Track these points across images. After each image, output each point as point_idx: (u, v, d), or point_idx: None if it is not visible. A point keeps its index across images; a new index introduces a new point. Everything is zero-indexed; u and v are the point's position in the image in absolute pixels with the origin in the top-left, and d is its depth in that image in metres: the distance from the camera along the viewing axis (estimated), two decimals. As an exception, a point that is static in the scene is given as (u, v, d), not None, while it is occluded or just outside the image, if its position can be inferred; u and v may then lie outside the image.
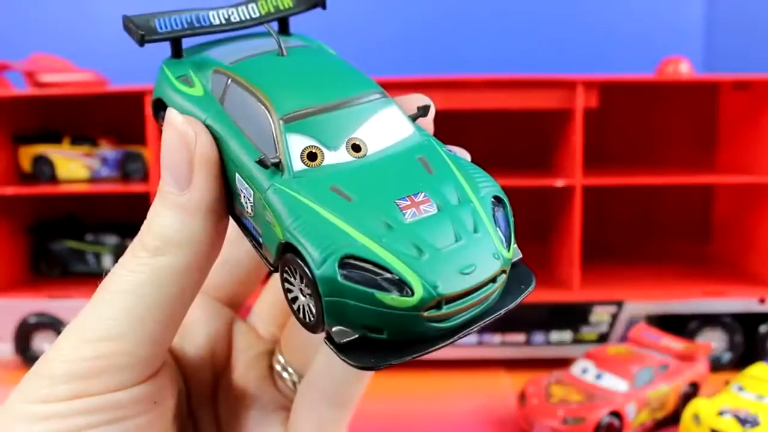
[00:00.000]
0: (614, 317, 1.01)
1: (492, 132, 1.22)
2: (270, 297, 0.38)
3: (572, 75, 0.97)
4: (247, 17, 0.31)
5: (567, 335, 1.02)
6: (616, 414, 0.78)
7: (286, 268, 0.25)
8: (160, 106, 0.31)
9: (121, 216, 1.20)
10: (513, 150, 1.22)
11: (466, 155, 0.30)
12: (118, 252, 1.15)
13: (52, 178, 1.13)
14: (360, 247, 0.23)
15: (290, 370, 0.35)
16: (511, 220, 0.27)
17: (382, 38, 1.33)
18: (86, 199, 1.22)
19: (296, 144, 0.25)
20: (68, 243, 1.17)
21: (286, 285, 0.25)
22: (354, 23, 1.33)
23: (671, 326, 0.99)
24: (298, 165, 0.25)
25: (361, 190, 0.25)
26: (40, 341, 1.05)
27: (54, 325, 1.04)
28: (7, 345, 1.05)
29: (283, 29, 0.33)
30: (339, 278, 0.23)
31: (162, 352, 0.28)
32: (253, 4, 0.31)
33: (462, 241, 0.24)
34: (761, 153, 1.05)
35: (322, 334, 0.25)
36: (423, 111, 0.30)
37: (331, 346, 0.24)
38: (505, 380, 0.99)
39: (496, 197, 0.27)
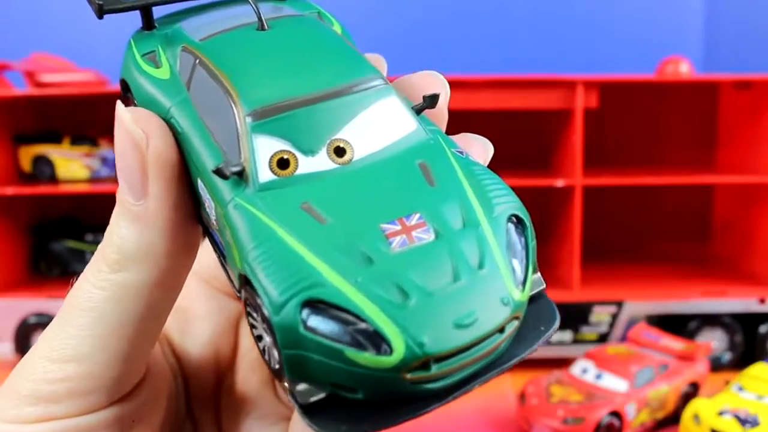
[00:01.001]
0: (614, 317, 1.01)
1: (492, 132, 1.22)
2: None
3: (572, 75, 0.97)
4: None
5: (567, 335, 1.02)
6: (616, 414, 0.78)
7: (248, 302, 0.20)
8: (127, 90, 0.26)
9: (121, 216, 1.21)
10: (513, 150, 1.22)
11: (487, 148, 0.25)
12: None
13: (52, 178, 1.13)
14: (329, 289, 0.18)
15: None
16: (532, 245, 0.21)
17: (382, 38, 1.32)
18: (86, 199, 1.22)
19: (265, 148, 0.20)
20: (68, 243, 1.17)
21: (250, 320, 0.20)
22: (354, 23, 1.32)
23: (671, 326, 0.99)
24: (265, 174, 0.20)
25: (340, 209, 0.20)
26: (40, 341, 1.05)
27: (54, 325, 1.04)
28: (7, 345, 1.05)
29: None
30: (300, 329, 0.18)
31: (136, 368, 0.26)
32: None
33: (462, 281, 0.19)
34: (761, 153, 1.05)
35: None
36: (430, 101, 0.24)
37: (295, 404, 0.19)
38: (505, 380, 0.99)
39: (514, 216, 0.21)
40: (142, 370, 0.27)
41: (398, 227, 0.19)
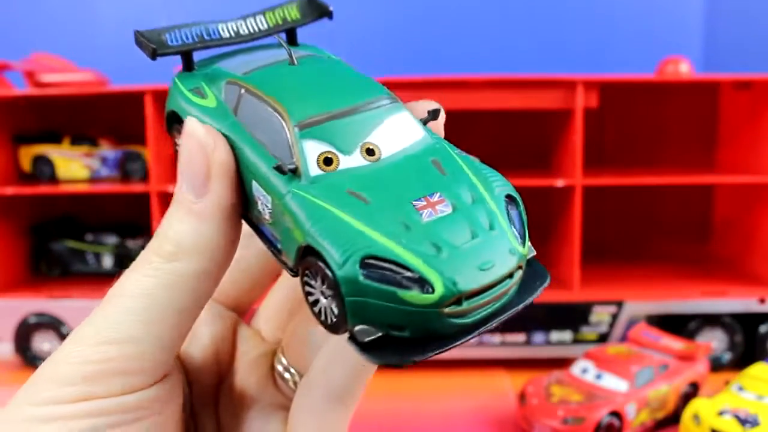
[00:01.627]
0: (614, 317, 1.01)
1: (492, 132, 1.22)
2: (275, 301, 0.38)
3: (572, 75, 0.97)
4: (256, 29, 0.32)
5: (567, 335, 1.02)
6: (616, 414, 0.78)
7: (307, 272, 0.25)
8: (173, 120, 0.32)
9: (120, 216, 1.21)
10: (513, 150, 1.22)
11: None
12: (118, 252, 1.15)
13: (52, 178, 1.13)
14: (380, 247, 0.23)
15: (292, 371, 0.35)
16: (525, 218, 0.27)
17: (382, 38, 1.33)
18: (86, 199, 1.22)
19: (312, 150, 0.26)
20: (68, 243, 1.17)
21: (307, 288, 0.25)
22: (354, 23, 1.32)
23: (671, 326, 0.99)
24: (314, 170, 0.26)
25: (378, 192, 0.25)
26: (40, 341, 1.05)
27: (54, 325, 1.04)
28: (7, 345, 1.05)
29: (291, 40, 0.34)
30: (360, 278, 0.23)
31: (171, 356, 0.28)
32: (261, 16, 0.32)
33: (479, 239, 0.25)
34: (761, 153, 1.05)
35: (344, 335, 0.25)
36: (433, 114, 0.30)
37: (354, 345, 0.24)
38: (505, 380, 0.99)
39: (509, 196, 0.27)
40: (173, 360, 0.29)
41: (425, 203, 0.25)
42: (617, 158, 1.22)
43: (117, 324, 0.27)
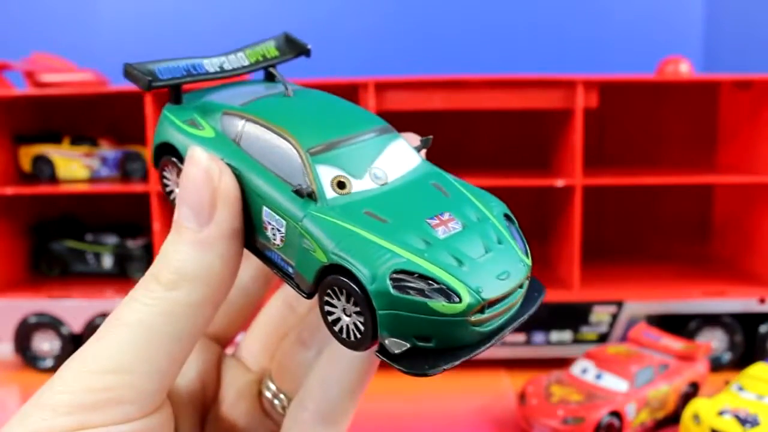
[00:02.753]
0: (614, 317, 1.01)
1: (492, 132, 1.22)
2: (260, 330, 0.38)
3: (572, 75, 0.97)
4: (239, 65, 0.33)
5: (567, 335, 1.02)
6: (616, 414, 0.78)
7: (329, 291, 0.26)
8: (163, 151, 0.32)
9: (121, 216, 1.21)
10: (513, 150, 1.22)
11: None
12: (118, 252, 1.15)
13: (52, 178, 1.13)
14: (406, 262, 0.25)
15: (281, 396, 0.35)
16: (521, 233, 0.29)
17: (382, 38, 1.33)
18: (86, 199, 1.22)
19: (325, 174, 0.27)
20: (68, 243, 1.17)
21: (327, 308, 0.26)
22: (355, 23, 1.32)
23: (671, 326, 0.99)
24: (330, 193, 0.27)
25: (393, 212, 0.27)
26: (40, 341, 1.05)
27: (54, 325, 1.04)
28: (7, 345, 1.05)
29: (269, 77, 0.35)
30: (392, 291, 0.24)
31: (167, 385, 0.28)
32: (242, 53, 0.34)
33: (492, 252, 0.27)
34: (761, 153, 1.05)
35: (364, 352, 0.26)
36: (425, 143, 0.32)
37: (385, 358, 0.26)
38: (505, 380, 0.99)
39: (506, 215, 0.29)
40: (168, 389, 0.29)
41: (438, 221, 0.27)
42: (617, 158, 1.22)
43: (116, 353, 0.26)
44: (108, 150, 1.14)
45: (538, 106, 0.99)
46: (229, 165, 0.28)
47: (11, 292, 1.08)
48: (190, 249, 0.27)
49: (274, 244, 0.28)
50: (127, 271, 1.15)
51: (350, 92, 1.01)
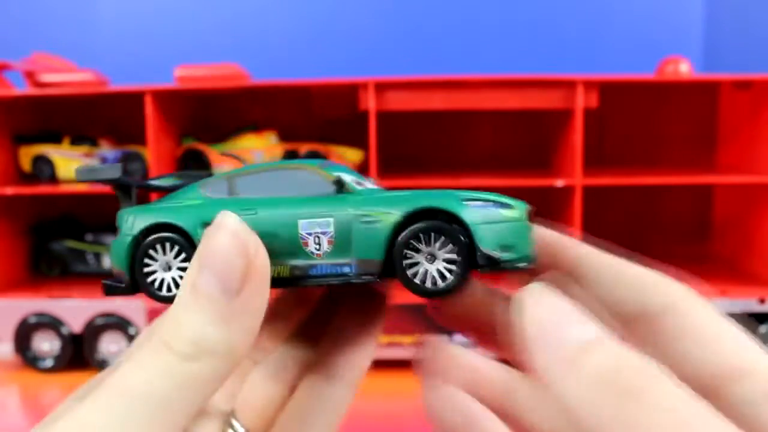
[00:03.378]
0: (614, 317, 1.01)
1: (492, 132, 1.22)
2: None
3: (572, 75, 0.97)
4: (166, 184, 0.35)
5: (567, 335, 1.02)
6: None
7: (412, 241, 0.29)
8: (144, 237, 0.31)
9: (121, 216, 1.21)
10: (513, 150, 1.22)
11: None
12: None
13: (52, 178, 1.13)
14: (468, 193, 0.29)
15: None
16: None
17: (382, 38, 1.33)
18: (86, 199, 1.22)
19: (346, 177, 0.31)
20: (68, 243, 1.17)
21: (408, 261, 0.29)
22: (355, 23, 1.32)
23: (671, 326, 0.99)
24: (355, 188, 0.31)
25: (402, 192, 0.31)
26: (40, 341, 1.05)
27: (54, 325, 1.04)
28: (7, 345, 1.05)
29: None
30: (474, 209, 0.29)
31: None
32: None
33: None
34: (761, 153, 1.05)
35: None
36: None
37: (490, 268, 0.29)
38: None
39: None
40: None
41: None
42: (617, 158, 1.22)
43: (119, 426, 0.23)
44: (108, 150, 1.14)
45: (538, 106, 0.99)
46: (241, 212, 0.28)
47: (11, 292, 1.08)
48: (213, 321, 0.25)
49: (318, 254, 0.29)
50: (127, 271, 1.15)
51: (350, 92, 1.01)
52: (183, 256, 0.30)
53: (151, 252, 0.31)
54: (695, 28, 1.35)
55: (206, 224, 0.28)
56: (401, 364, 1.01)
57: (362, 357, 0.33)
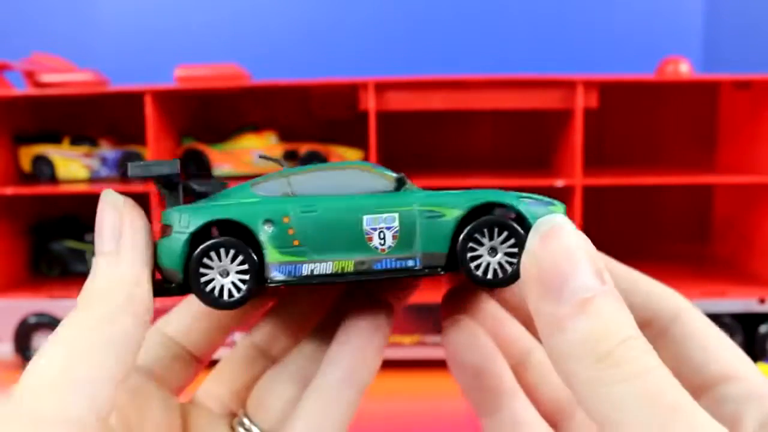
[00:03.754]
0: (614, 317, 1.01)
1: (492, 132, 1.22)
2: (227, 375, 0.37)
3: (572, 75, 0.97)
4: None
5: (567, 335, 1.02)
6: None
7: (476, 235, 0.30)
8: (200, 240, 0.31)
9: (121, 216, 1.21)
10: (513, 150, 1.22)
11: None
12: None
13: (52, 178, 1.13)
14: (519, 191, 0.31)
15: (256, 430, 0.34)
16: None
17: (382, 38, 1.33)
18: (86, 199, 1.21)
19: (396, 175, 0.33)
20: (68, 243, 1.17)
21: (471, 254, 0.30)
22: (355, 23, 1.32)
23: (671, 326, 0.99)
24: (412, 188, 0.32)
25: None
26: (40, 341, 1.05)
27: (54, 325, 1.03)
28: (7, 345, 1.05)
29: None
30: (532, 207, 0.31)
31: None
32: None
33: None
34: (761, 153, 1.05)
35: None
36: None
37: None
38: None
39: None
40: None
41: None
42: (617, 158, 1.22)
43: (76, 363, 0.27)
44: (108, 150, 1.14)
45: (538, 106, 0.99)
46: (303, 210, 0.30)
47: (11, 292, 1.08)
48: (107, 263, 0.29)
49: (383, 249, 0.30)
50: (127, 271, 1.15)
51: (350, 92, 1.02)
52: (240, 259, 0.30)
53: (205, 260, 0.30)
54: (695, 28, 1.35)
55: (267, 221, 0.29)
56: (402, 364, 1.01)
57: (372, 360, 0.33)
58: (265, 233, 0.30)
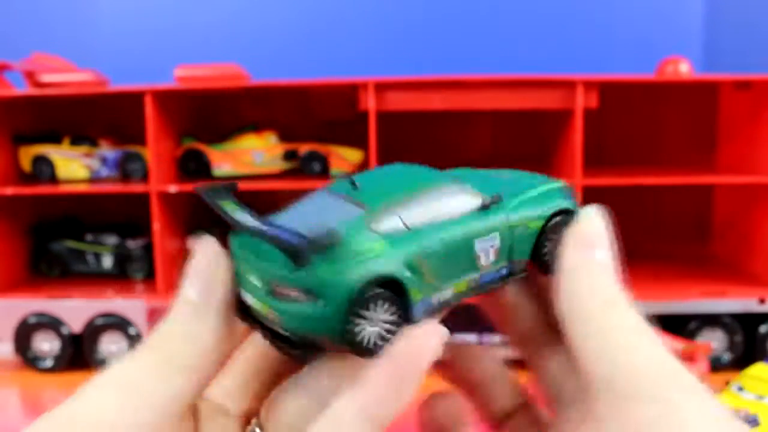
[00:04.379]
0: (614, 317, 1.01)
1: (492, 132, 1.22)
2: (240, 371, 0.35)
3: (572, 75, 0.97)
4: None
5: (567, 335, 1.02)
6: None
7: (549, 237, 0.34)
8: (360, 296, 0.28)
9: (120, 216, 1.21)
10: (513, 150, 1.22)
11: None
12: (118, 252, 1.15)
13: (52, 178, 1.13)
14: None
15: None
16: None
17: (382, 38, 1.33)
18: (86, 199, 1.22)
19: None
20: (68, 243, 1.17)
21: (548, 248, 0.34)
22: (355, 23, 1.32)
23: (671, 326, 0.99)
24: (496, 200, 0.34)
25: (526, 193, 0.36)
26: (40, 341, 1.05)
27: (54, 325, 1.04)
28: (7, 345, 1.05)
29: None
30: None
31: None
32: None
33: None
34: (761, 153, 1.05)
35: None
36: None
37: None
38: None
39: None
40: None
41: None
42: (617, 158, 1.22)
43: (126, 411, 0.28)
44: (108, 150, 1.15)
45: (537, 106, 0.99)
46: (429, 248, 0.30)
47: (11, 292, 1.08)
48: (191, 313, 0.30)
49: (485, 266, 0.32)
50: (126, 271, 1.15)
51: (350, 92, 1.02)
52: (394, 309, 0.28)
53: (363, 311, 0.27)
54: (695, 28, 1.35)
55: (409, 267, 0.29)
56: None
57: (405, 393, 0.31)
58: (408, 279, 0.28)
